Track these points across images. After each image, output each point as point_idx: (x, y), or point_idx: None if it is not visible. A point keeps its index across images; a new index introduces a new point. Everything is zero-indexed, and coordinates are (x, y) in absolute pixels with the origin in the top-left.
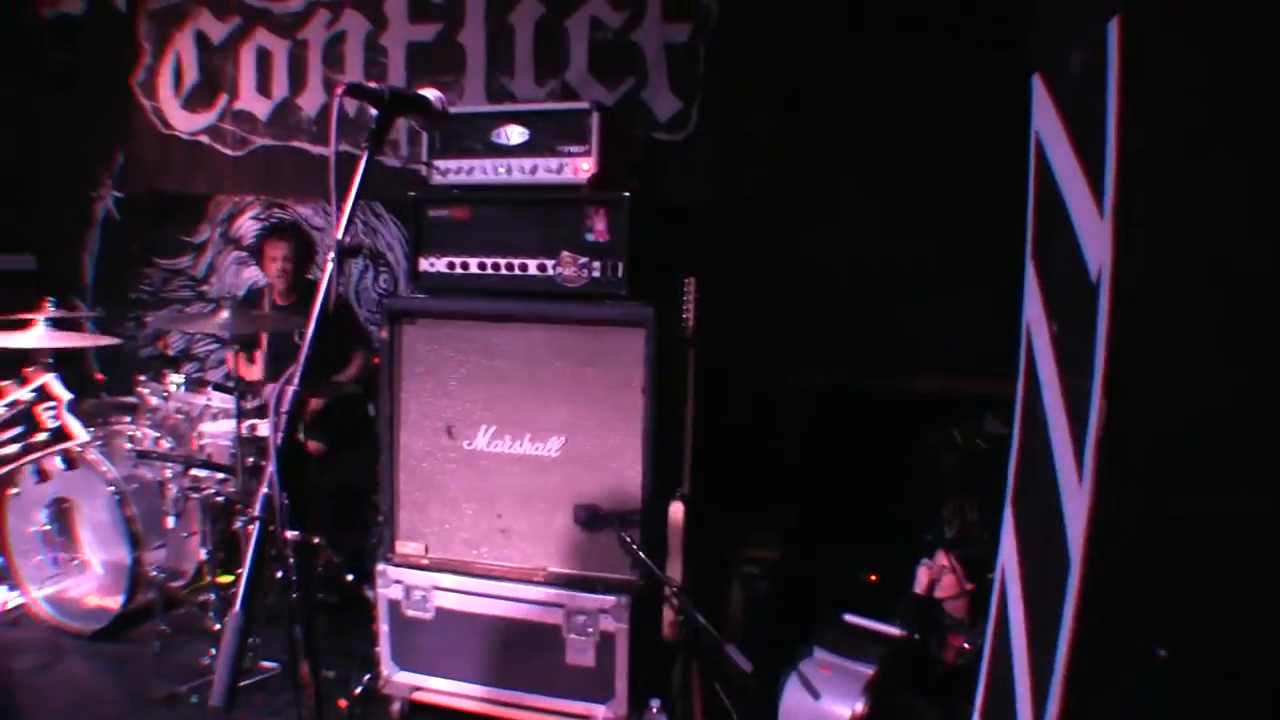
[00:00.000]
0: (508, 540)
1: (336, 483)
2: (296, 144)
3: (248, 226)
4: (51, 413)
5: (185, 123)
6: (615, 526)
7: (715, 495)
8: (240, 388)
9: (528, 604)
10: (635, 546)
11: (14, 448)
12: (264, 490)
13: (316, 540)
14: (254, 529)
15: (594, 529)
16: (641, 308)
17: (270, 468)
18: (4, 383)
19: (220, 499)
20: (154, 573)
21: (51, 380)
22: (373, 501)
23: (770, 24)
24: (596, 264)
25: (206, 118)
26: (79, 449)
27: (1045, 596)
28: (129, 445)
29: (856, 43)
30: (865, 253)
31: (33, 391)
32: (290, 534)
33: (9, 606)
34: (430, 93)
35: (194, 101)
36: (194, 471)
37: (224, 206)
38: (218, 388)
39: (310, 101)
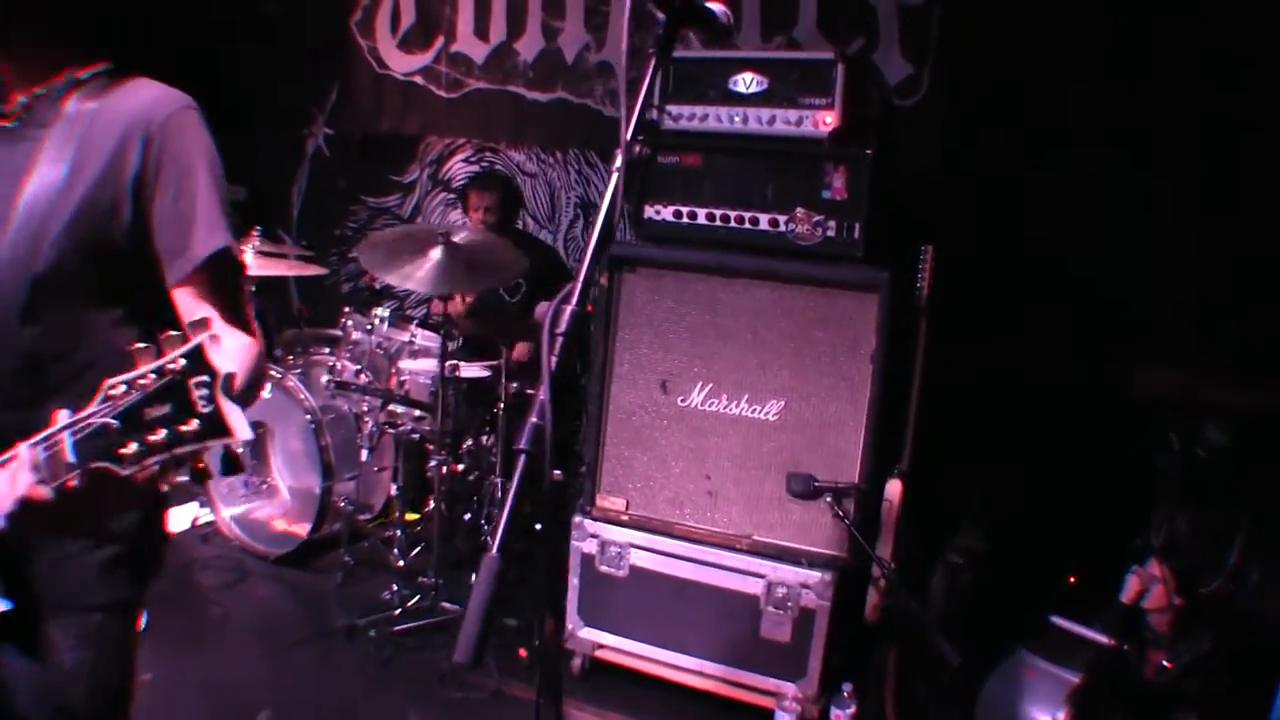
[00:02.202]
0: (714, 503)
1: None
2: (512, 88)
3: (458, 169)
4: (205, 394)
5: (400, 63)
6: (829, 499)
7: (925, 475)
8: (447, 326)
9: (727, 571)
10: (849, 522)
11: (161, 435)
12: (533, 420)
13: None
14: (521, 462)
15: (806, 500)
16: (877, 272)
17: (541, 395)
18: (165, 334)
19: (415, 436)
20: (343, 504)
21: (209, 345)
22: (572, 452)
23: None
24: (832, 223)
25: (422, 59)
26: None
27: None
28: (327, 376)
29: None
30: (1094, 238)
31: (184, 357)
32: (555, 473)
33: (200, 522)
34: (716, 5)
35: (410, 43)
36: (392, 407)
37: (434, 148)
38: (423, 324)
39: (528, 46)
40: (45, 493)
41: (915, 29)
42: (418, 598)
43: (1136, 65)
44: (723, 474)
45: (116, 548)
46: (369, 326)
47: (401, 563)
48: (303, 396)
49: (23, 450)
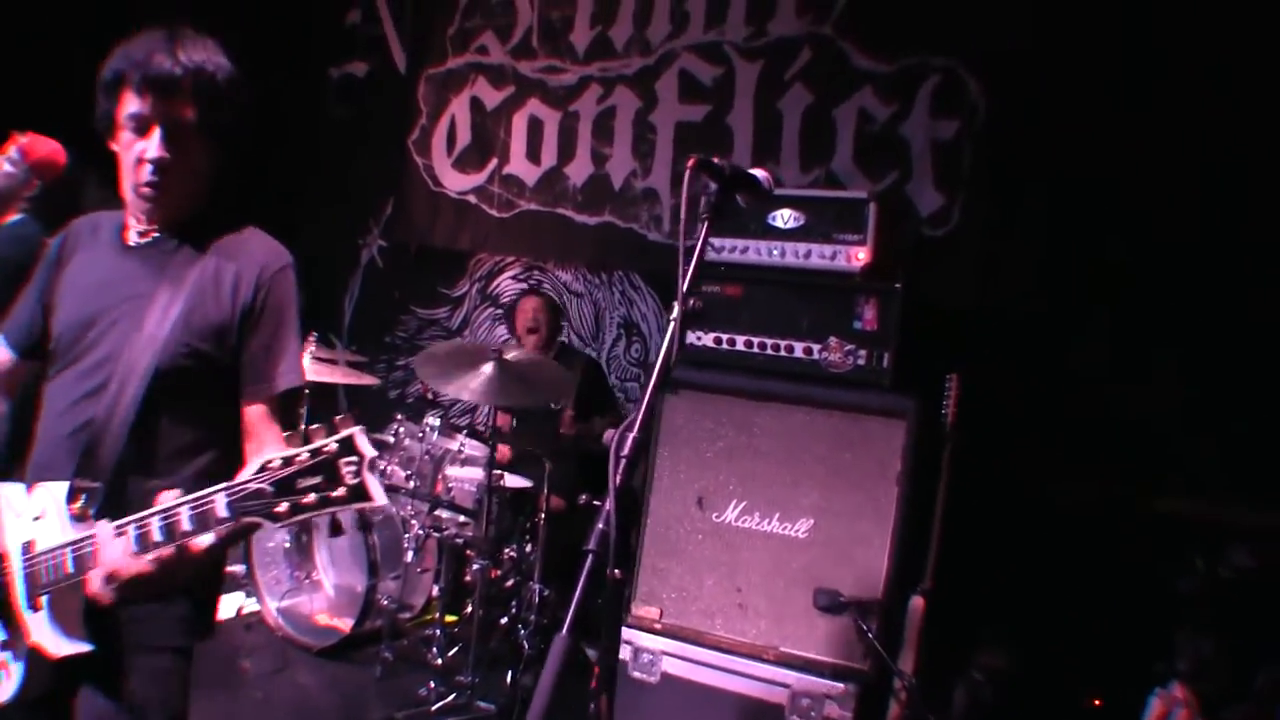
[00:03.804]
0: (744, 615)
1: (569, 540)
2: (561, 210)
3: (506, 285)
4: (353, 469)
5: (455, 182)
6: (854, 614)
7: (951, 593)
8: (495, 438)
9: (755, 680)
10: (871, 636)
11: (312, 497)
12: (599, 526)
13: (547, 593)
14: (588, 560)
15: (832, 614)
16: (904, 399)
17: (608, 506)
18: (313, 426)
19: (459, 540)
20: (385, 602)
21: (359, 435)
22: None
23: (1038, 129)
24: (863, 352)
25: (476, 179)
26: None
27: None
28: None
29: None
30: (1123, 366)
31: (338, 443)
32: (617, 572)
33: (245, 611)
34: (759, 173)
35: (464, 162)
36: (438, 511)
37: (484, 264)
38: (473, 434)
39: (578, 171)
40: (145, 565)
41: (946, 161)
42: (454, 695)
43: (1162, 201)
44: (753, 587)
45: (189, 603)
46: (420, 434)
47: (439, 661)
48: None
49: (102, 527)
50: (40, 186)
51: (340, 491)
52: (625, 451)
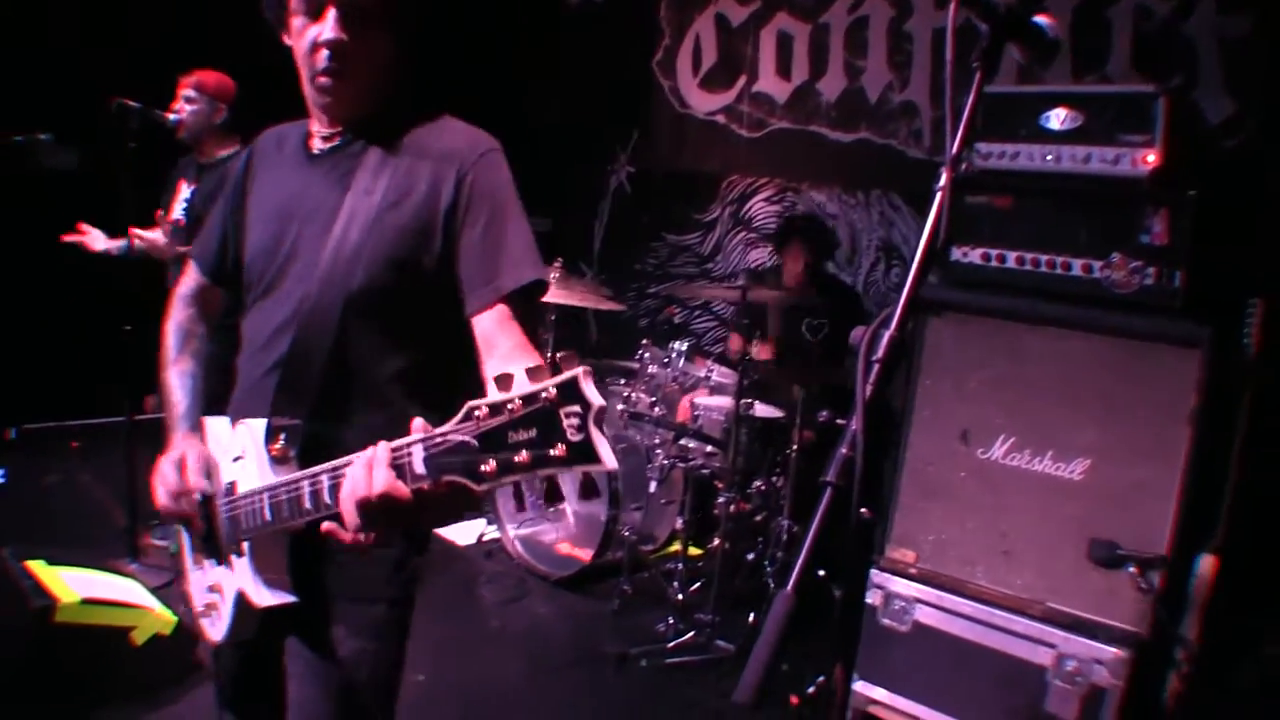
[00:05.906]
0: (1008, 564)
1: (818, 475)
2: (814, 128)
3: (758, 208)
4: (577, 422)
5: (702, 103)
6: (1134, 569)
7: (1239, 554)
8: (745, 363)
9: (1016, 637)
10: (1154, 597)
11: (525, 455)
12: (842, 451)
13: (795, 529)
14: (826, 495)
15: (1109, 568)
16: (1199, 326)
17: (854, 425)
18: (561, 354)
19: (705, 472)
20: (626, 533)
21: (583, 379)
22: (853, 500)
23: None
24: (1150, 270)
25: (724, 99)
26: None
27: None
28: (622, 407)
29: None
30: None
31: (557, 388)
32: (864, 511)
33: (486, 539)
34: (1043, 19)
35: (711, 82)
36: (684, 441)
37: (736, 186)
38: (720, 360)
39: (830, 86)
40: (405, 490)
41: (1238, 62)
42: (693, 633)
43: None
44: (1019, 533)
45: (402, 548)
46: (666, 360)
47: (680, 597)
48: None
49: (381, 447)
50: (229, 111)
51: (559, 450)
52: (878, 355)
